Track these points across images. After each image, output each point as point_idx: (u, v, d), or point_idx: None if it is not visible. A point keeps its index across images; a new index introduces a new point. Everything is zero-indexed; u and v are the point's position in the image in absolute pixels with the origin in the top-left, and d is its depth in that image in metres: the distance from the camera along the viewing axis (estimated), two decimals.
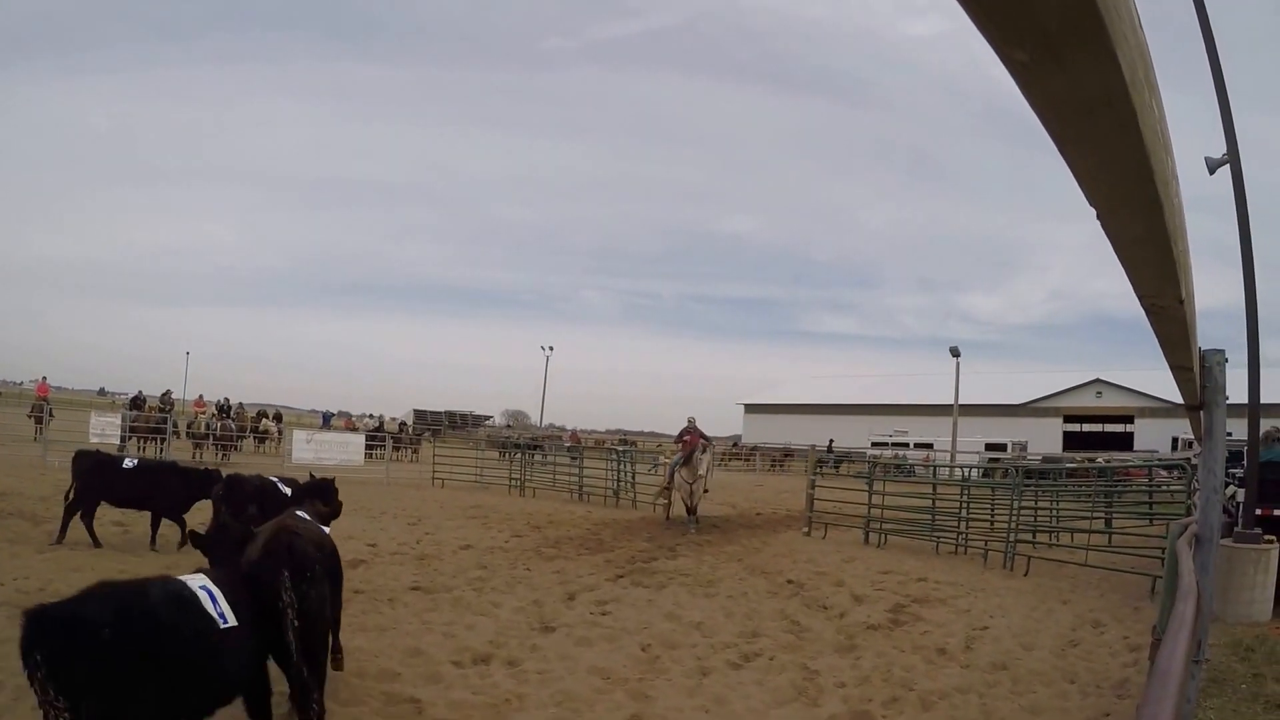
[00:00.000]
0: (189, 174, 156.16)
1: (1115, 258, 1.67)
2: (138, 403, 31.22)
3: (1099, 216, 1.32)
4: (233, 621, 4.03)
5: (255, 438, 32.15)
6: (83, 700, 3.31)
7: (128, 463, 11.17)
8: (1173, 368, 3.06)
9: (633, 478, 20.29)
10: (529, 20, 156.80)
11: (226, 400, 34.28)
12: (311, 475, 10.63)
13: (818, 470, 18.37)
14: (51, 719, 3.26)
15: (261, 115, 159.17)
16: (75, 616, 3.46)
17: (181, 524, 10.46)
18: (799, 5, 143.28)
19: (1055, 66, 0.88)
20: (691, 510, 16.39)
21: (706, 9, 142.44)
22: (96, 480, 10.61)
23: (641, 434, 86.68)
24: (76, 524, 10.22)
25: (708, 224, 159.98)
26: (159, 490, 10.76)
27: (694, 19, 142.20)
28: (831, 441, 46.59)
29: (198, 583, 4.12)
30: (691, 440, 16.78)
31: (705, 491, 16.84)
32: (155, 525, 10.71)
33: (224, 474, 10.86)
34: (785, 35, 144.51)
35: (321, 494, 9.38)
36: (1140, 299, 1.94)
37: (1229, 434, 3.86)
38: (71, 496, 10.54)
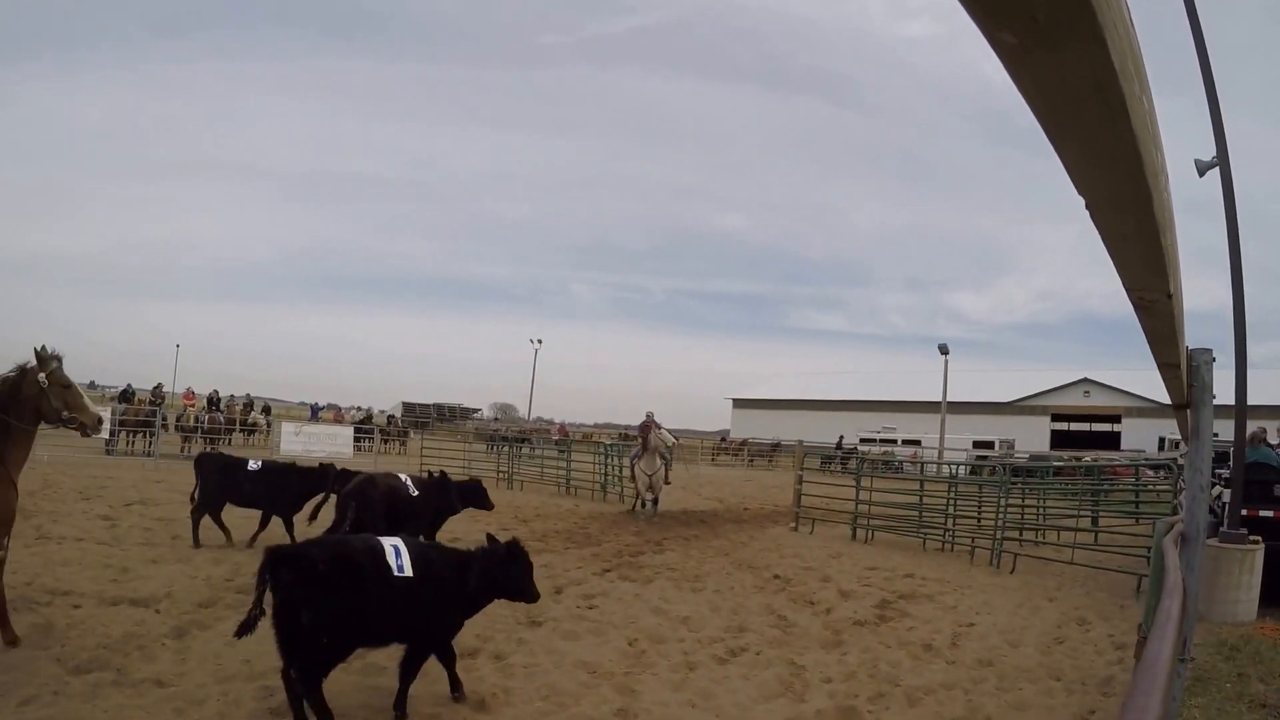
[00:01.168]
0: (181, 167, 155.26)
1: (1104, 254, 1.65)
2: (127, 396, 31.04)
3: (1088, 207, 1.30)
4: (409, 573, 5.33)
5: (243, 430, 32.03)
6: (299, 610, 4.85)
7: (252, 465, 11.14)
8: (1160, 365, 3.05)
9: (620, 471, 20.27)
10: (521, 16, 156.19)
11: (216, 393, 34.14)
12: (430, 473, 10.86)
13: (826, 467, 18.37)
14: (251, 619, 4.87)
15: (253, 109, 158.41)
16: (302, 553, 5.14)
17: (289, 524, 10.71)
18: (793, 4, 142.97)
19: (1043, 51, 0.86)
20: (652, 502, 16.76)
21: (700, 6, 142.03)
22: (223, 482, 10.80)
23: (629, 427, 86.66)
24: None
25: (698, 221, 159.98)
26: (280, 491, 10.86)
27: (687, 16, 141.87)
28: (842, 438, 46.46)
29: (390, 541, 5.49)
30: (644, 432, 17.04)
31: (666, 483, 17.16)
32: (264, 524, 10.83)
33: (347, 471, 11.04)
34: (778, 34, 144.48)
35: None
36: (1129, 292, 1.93)
37: (1215, 434, 3.86)
38: (196, 498, 10.75)
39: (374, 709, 5.53)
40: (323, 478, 10.88)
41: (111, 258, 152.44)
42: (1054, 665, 7.36)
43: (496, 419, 76.83)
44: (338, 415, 51.77)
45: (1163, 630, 2.17)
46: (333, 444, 25.43)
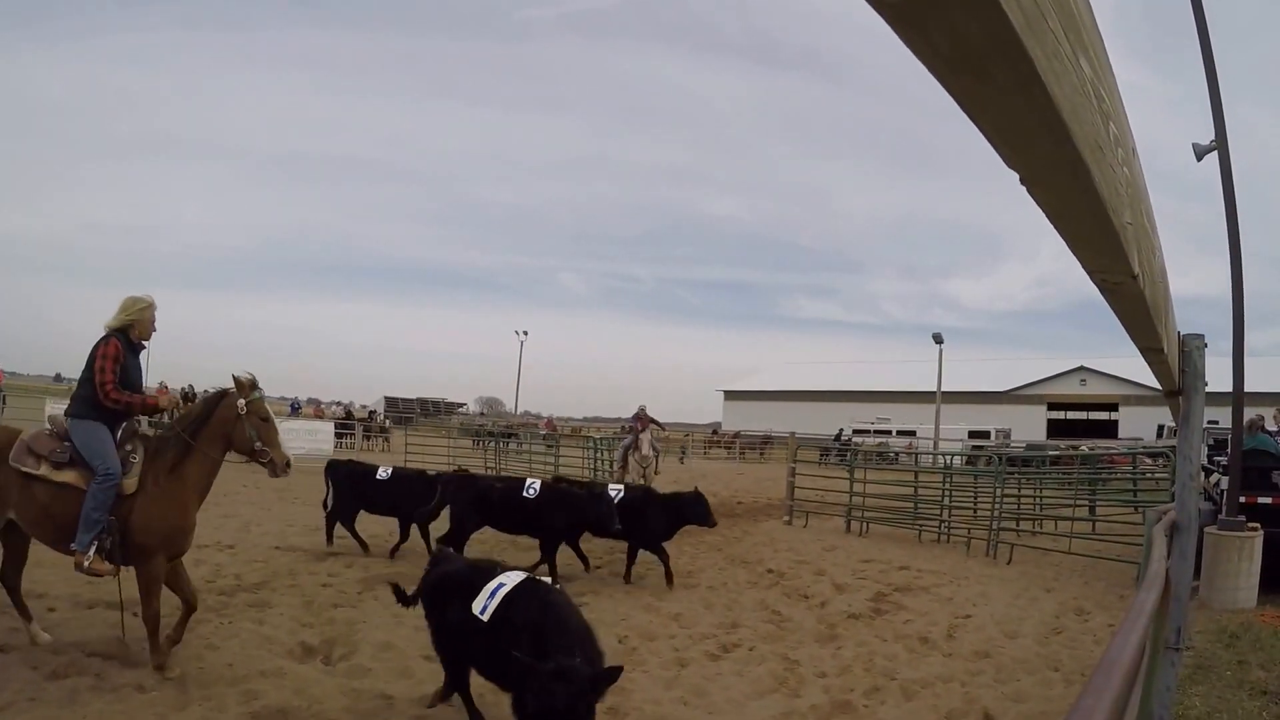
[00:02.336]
0: (151, 148, 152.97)
1: None
2: None
3: (1022, 182, 1.17)
4: None
5: None
6: None
7: (382, 473, 10.97)
8: (1141, 350, 2.93)
9: (610, 466, 20.12)
10: None
11: (190, 388, 33.82)
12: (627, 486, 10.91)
13: (825, 459, 18.24)
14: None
15: (228, 87, 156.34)
16: None
17: (424, 532, 10.55)
18: None
19: (930, 10, 0.73)
20: None
21: None
22: (354, 489, 10.75)
23: (619, 420, 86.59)
24: None
25: (690, 206, 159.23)
26: (409, 499, 10.63)
27: None
28: (841, 430, 46.31)
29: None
30: (639, 425, 16.98)
31: (656, 473, 17.08)
32: (404, 533, 10.65)
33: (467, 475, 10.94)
34: (771, 9, 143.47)
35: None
36: (1089, 274, 1.80)
37: (1215, 422, 3.78)
38: (330, 505, 10.70)
39: (359, 713, 5.39)
40: (433, 485, 10.64)
41: (74, 241, 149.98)
42: (1052, 656, 7.27)
43: (482, 413, 76.61)
44: (318, 410, 51.43)
45: (1134, 621, 2.07)
46: (313, 440, 25.10)
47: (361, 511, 10.75)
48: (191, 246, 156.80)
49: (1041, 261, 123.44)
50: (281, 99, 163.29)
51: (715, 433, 58.69)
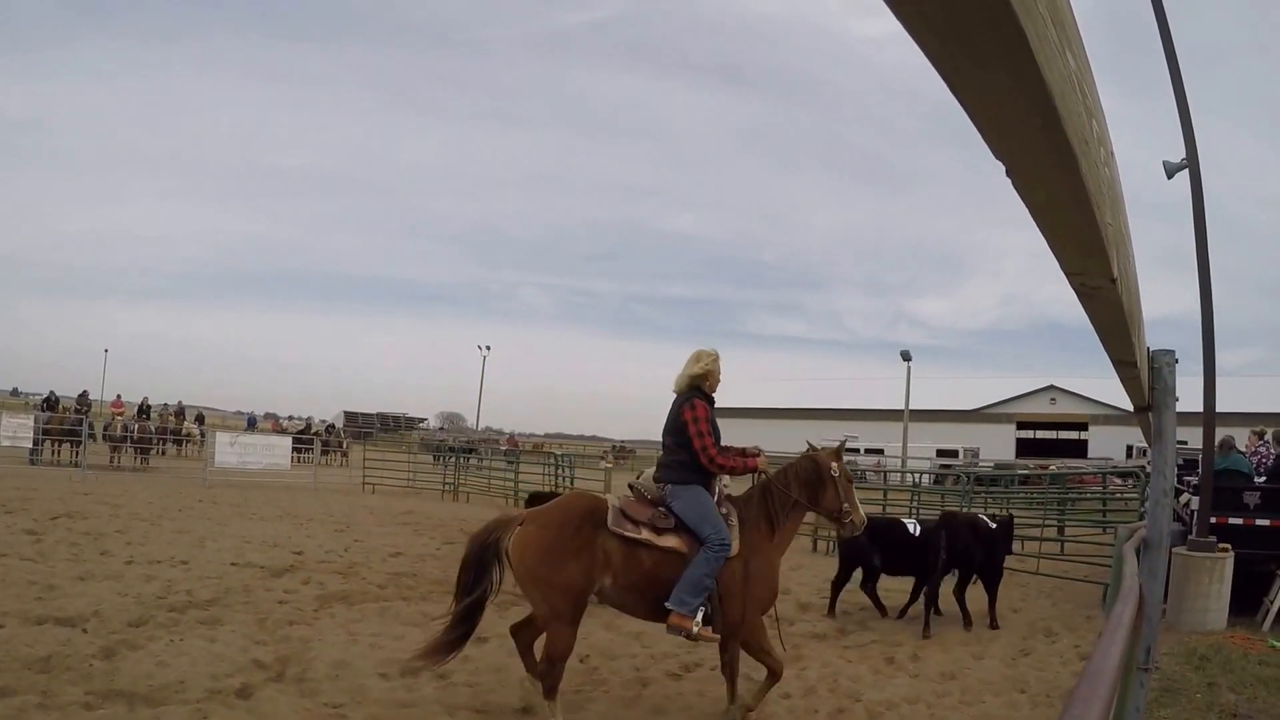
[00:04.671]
0: (106, 160, 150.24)
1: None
2: (51, 403, 30.09)
3: (1008, 173, 1.13)
4: None
5: (175, 441, 31.17)
6: None
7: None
8: (1115, 363, 2.91)
9: (572, 483, 19.97)
10: (470, 6, 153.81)
11: (146, 401, 33.21)
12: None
13: None
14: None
15: (184, 98, 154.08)
16: None
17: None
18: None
19: None
20: None
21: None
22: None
23: (582, 438, 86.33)
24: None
25: (652, 221, 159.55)
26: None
27: (643, 10, 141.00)
28: (810, 445, 46.02)
29: None
30: None
31: None
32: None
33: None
34: (735, 30, 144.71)
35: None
36: (1069, 278, 1.78)
37: (1184, 442, 3.80)
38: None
39: None
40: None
41: (30, 254, 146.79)
42: (1019, 677, 7.27)
43: (443, 429, 75.80)
44: (276, 425, 50.74)
45: (1114, 632, 2.04)
46: (270, 456, 24.60)
47: None
48: (148, 259, 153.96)
49: (1007, 280, 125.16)
50: (239, 111, 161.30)
51: None
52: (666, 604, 5.52)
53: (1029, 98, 0.90)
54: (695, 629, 5.50)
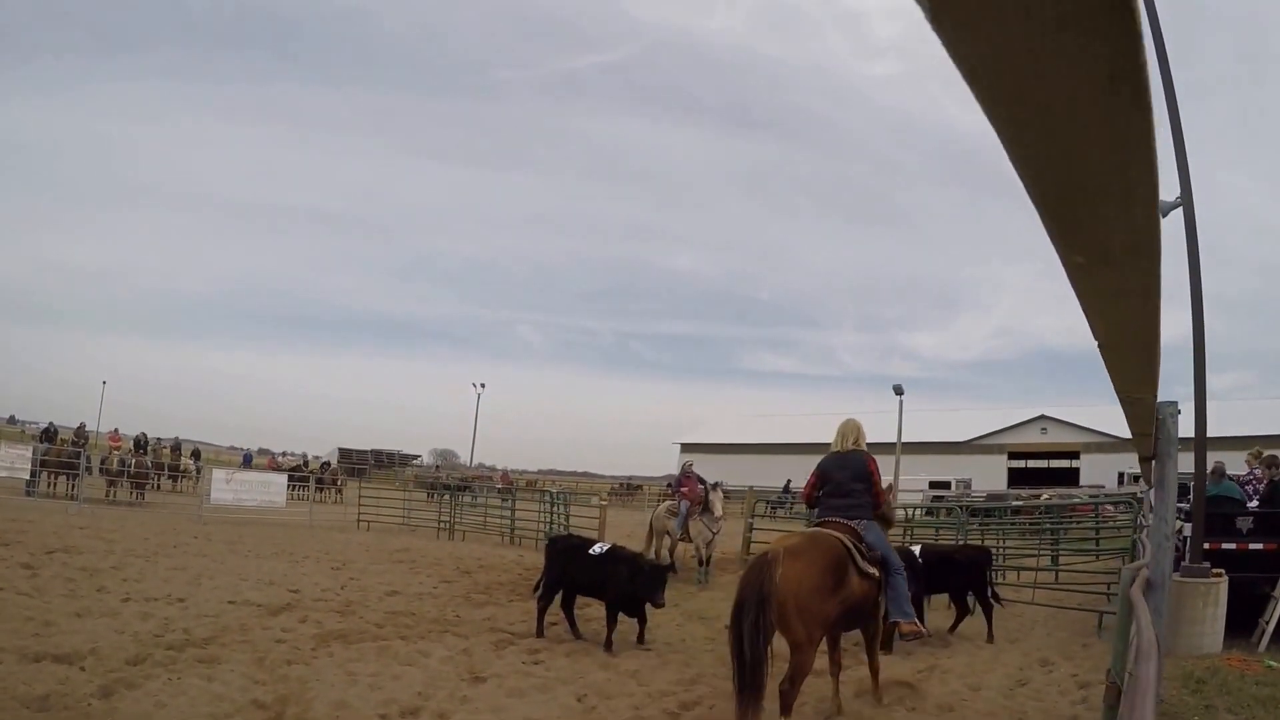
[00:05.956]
0: (111, 193, 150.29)
1: (1060, 290, 1.65)
2: (50, 435, 30.06)
3: (1100, 348, 1.30)
4: None
5: (171, 476, 31.12)
6: None
7: (596, 549, 10.10)
8: (1134, 433, 3.06)
9: (567, 520, 19.97)
10: (480, 49, 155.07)
11: (144, 435, 33.17)
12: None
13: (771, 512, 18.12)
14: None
15: (190, 135, 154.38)
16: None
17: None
18: (755, 40, 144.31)
19: (1106, 268, 0.92)
20: (705, 561, 15.36)
21: (662, 41, 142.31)
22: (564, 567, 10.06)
23: (575, 475, 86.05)
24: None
25: (648, 260, 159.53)
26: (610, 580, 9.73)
27: (649, 53, 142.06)
28: (789, 482, 46.22)
29: None
30: (690, 487, 15.66)
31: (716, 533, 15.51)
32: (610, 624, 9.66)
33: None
34: (739, 71, 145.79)
35: None
36: (1118, 394, 1.94)
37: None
38: (540, 587, 10.26)
39: None
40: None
41: (30, 283, 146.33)
42: (1017, 708, 7.30)
43: (437, 466, 75.51)
44: (272, 461, 50.59)
45: (1144, 700, 2.12)
46: (266, 492, 24.57)
47: None
48: (149, 292, 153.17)
49: (999, 312, 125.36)
50: (243, 149, 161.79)
51: (669, 486, 58.20)
52: (892, 619, 6.79)
53: (1147, 315, 1.05)
54: (924, 629, 7.04)
